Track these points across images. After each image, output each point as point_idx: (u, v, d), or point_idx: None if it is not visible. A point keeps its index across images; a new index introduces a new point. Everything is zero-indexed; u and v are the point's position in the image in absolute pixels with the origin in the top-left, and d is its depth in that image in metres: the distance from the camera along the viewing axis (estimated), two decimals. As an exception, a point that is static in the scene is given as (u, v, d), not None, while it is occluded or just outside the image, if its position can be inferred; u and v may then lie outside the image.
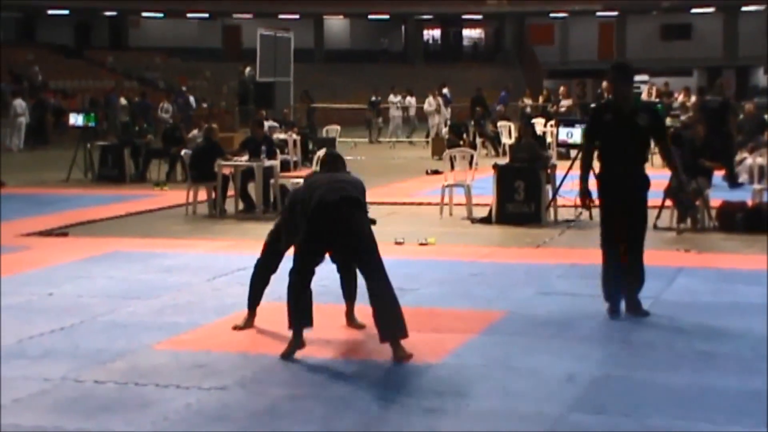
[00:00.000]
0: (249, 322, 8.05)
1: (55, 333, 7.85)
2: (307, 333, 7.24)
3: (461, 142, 23.90)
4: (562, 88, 33.75)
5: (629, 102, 8.28)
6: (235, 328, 7.98)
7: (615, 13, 54.92)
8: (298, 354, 7.12)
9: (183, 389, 6.37)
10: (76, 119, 21.69)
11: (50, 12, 48.93)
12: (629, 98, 8.32)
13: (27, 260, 11.16)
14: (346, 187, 7.24)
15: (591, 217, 13.93)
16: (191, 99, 36.96)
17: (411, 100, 33.67)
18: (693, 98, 31.00)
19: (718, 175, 16.33)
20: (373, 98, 34.75)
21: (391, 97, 34.57)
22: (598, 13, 55.38)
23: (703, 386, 6.43)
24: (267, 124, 23.48)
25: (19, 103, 30.80)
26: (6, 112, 31.02)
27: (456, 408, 6.03)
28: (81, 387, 6.46)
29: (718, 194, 14.40)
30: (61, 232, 13.24)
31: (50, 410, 6.01)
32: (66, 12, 49.01)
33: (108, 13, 51.16)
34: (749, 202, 13.49)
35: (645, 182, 8.26)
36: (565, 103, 31.50)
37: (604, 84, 34.83)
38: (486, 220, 14.04)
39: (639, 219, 8.31)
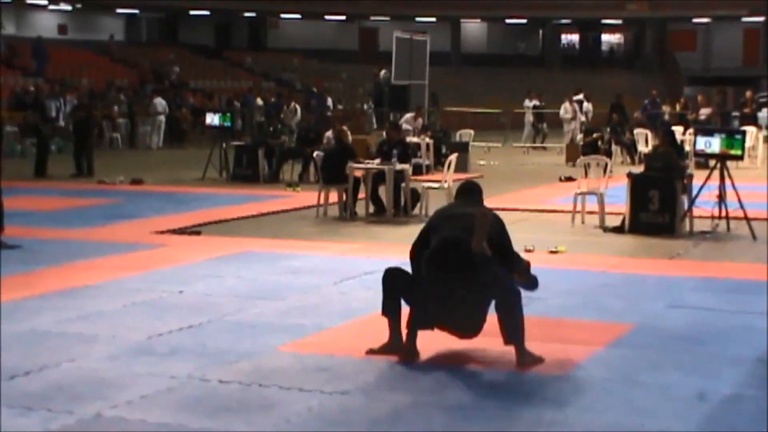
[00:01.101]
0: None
1: (183, 331, 8.00)
2: (431, 341, 7.25)
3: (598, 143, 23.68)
4: (699, 96, 33.03)
5: None
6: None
7: (761, 18, 53.47)
8: (421, 362, 7.11)
9: (305, 392, 6.42)
10: (212, 119, 22.12)
11: (192, 12, 50.05)
12: None
13: (160, 257, 11.42)
14: (461, 239, 7.05)
15: (729, 228, 13.65)
16: (329, 100, 37.31)
17: (588, 106, 33.06)
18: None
19: None
20: (537, 102, 34.49)
21: (526, 102, 34.33)
22: (744, 19, 54.02)
23: (840, 410, 6.20)
24: (405, 126, 23.62)
25: (159, 102, 31.59)
26: (146, 111, 31.86)
27: (578, 421, 5.94)
28: (206, 386, 6.57)
29: None
30: (194, 230, 13.52)
31: (175, 408, 6.12)
32: (207, 13, 50.08)
33: (247, 14, 52.09)
34: None
35: None
36: (705, 111, 30.82)
37: (748, 93, 34.03)
38: (618, 230, 13.83)
39: None
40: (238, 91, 38.91)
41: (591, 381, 6.78)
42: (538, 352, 7.18)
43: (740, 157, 14.86)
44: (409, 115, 25.92)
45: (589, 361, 7.23)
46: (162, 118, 31.56)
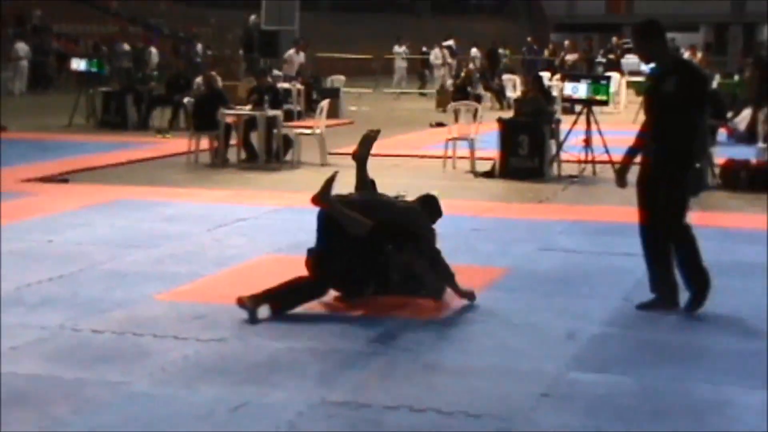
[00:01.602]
0: None
1: (54, 281, 7.83)
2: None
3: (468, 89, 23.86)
4: (567, 42, 33.52)
5: (660, 65, 7.21)
6: None
7: (624, -34, 54.48)
8: (299, 308, 7.09)
9: (181, 340, 6.35)
10: (78, 64, 21.56)
11: (54, -45, 48.52)
12: (657, 61, 7.26)
13: (27, 207, 11.11)
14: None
15: (595, 172, 13.95)
16: (198, 46, 36.70)
17: (475, 51, 33.07)
18: (699, 55, 30.88)
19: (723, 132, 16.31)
20: (424, 49, 34.60)
21: (396, 48, 34.37)
22: (609, -34, 54.99)
23: (703, 346, 6.42)
24: (276, 73, 23.44)
25: (22, 47, 30.63)
26: (8, 55, 30.85)
27: (455, 364, 6.02)
28: (79, 336, 6.44)
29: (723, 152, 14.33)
30: (61, 178, 13.20)
31: (47, 358, 5.99)
32: (70, -45, 48.60)
33: (113, -42, 50.72)
34: (754, 161, 13.43)
35: (672, 161, 6.96)
36: (571, 57, 31.30)
37: (614, 39, 34.63)
38: (489, 175, 13.99)
39: (663, 206, 7.08)
40: (104, 36, 37.93)
41: (466, 324, 6.88)
42: (415, 298, 7.25)
43: (605, 103, 15.19)
44: (291, 51, 25.58)
45: (465, 304, 7.31)
46: (25, 63, 30.62)
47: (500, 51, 33.29)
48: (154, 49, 29.85)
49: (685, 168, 7.02)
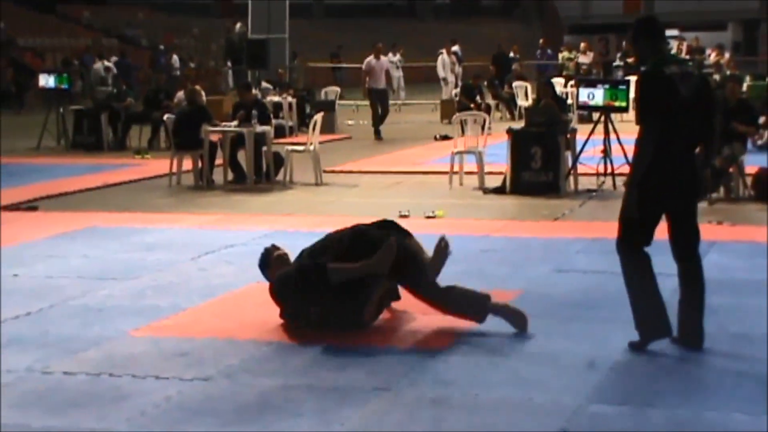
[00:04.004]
0: None
1: (21, 319, 7.80)
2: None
3: (472, 105, 23.78)
4: (583, 44, 33.56)
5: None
6: None
7: (643, -37, 54.69)
8: (290, 341, 7.08)
9: (162, 380, 6.33)
10: (47, 81, 21.58)
11: (20, -36, 48.75)
12: (645, 64, 6.97)
13: (-8, 237, 11.12)
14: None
15: (615, 186, 13.93)
16: (175, 59, 36.79)
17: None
18: (726, 55, 30.90)
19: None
20: (401, 57, 34.82)
21: (390, 56, 34.43)
22: (625, -37, 55.19)
23: (736, 372, 6.39)
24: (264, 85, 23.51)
25: (-15, 63, 30.74)
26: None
27: (465, 399, 5.99)
28: (49, 379, 6.41)
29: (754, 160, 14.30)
30: (30, 206, 13.21)
31: (13, 405, 5.95)
32: (38, -37, 48.84)
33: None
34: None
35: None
36: (584, 59, 31.22)
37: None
38: (499, 191, 13.98)
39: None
40: (75, 49, 38.05)
41: (476, 354, 6.85)
42: (418, 326, 7.21)
43: (625, 109, 15.13)
44: (369, 58, 23.91)
45: (473, 332, 7.29)
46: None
47: (512, 56, 33.31)
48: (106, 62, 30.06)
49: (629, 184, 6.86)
